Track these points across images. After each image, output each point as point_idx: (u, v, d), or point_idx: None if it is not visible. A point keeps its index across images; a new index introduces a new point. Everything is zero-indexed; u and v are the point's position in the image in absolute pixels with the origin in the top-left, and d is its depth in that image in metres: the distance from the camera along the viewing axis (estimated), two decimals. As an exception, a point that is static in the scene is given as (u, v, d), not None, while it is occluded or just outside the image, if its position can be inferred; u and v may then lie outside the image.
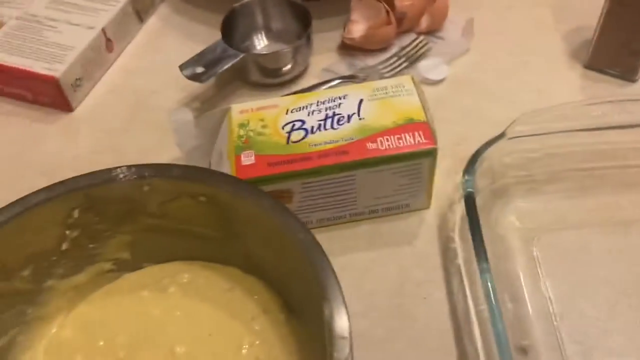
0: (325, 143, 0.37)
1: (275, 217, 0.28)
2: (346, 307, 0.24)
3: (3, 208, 0.28)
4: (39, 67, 0.49)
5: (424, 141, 0.37)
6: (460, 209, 0.41)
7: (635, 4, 0.43)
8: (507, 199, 0.40)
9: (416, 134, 0.37)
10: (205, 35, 0.56)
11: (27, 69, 0.49)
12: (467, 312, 0.36)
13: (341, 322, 0.24)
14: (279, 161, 0.36)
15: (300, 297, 0.30)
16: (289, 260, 0.28)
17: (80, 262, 0.33)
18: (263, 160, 0.37)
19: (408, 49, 0.52)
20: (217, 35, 0.50)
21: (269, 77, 0.51)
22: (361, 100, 0.39)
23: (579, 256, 0.37)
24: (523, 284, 0.36)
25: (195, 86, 0.52)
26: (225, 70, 0.49)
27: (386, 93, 0.40)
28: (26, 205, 0.29)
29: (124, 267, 0.34)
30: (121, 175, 0.30)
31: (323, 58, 0.53)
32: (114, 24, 0.54)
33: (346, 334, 0.23)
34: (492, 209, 0.40)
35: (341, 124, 0.38)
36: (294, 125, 0.38)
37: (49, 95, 0.50)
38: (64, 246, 0.31)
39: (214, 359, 0.30)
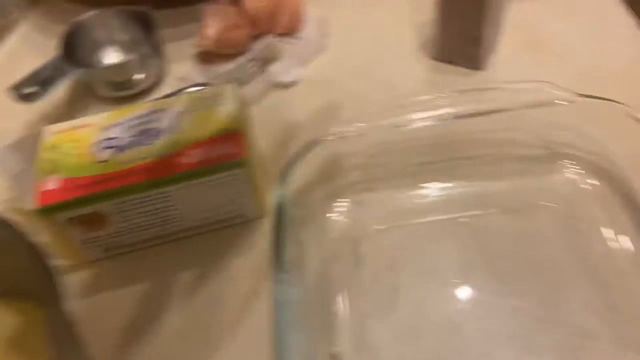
0: (138, 160, 0.36)
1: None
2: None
3: None
4: None
5: (236, 151, 0.36)
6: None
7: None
8: (336, 200, 0.40)
9: (228, 144, 0.36)
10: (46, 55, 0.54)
11: None
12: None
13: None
14: (85, 183, 0.35)
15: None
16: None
17: None
18: (69, 183, 0.35)
19: (260, 52, 0.51)
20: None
21: (119, 90, 0.49)
22: (178, 113, 0.38)
23: (403, 253, 0.37)
24: (345, 287, 0.36)
25: (45, 106, 0.50)
26: (74, 88, 0.47)
27: (204, 103, 0.38)
28: None
29: None
30: None
31: (179, 67, 0.52)
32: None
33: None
34: (321, 213, 0.39)
35: (155, 139, 0.37)
36: (105, 144, 0.37)
37: None
38: None
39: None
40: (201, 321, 0.36)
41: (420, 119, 0.39)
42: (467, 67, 0.47)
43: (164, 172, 0.35)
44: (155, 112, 0.38)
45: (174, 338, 0.36)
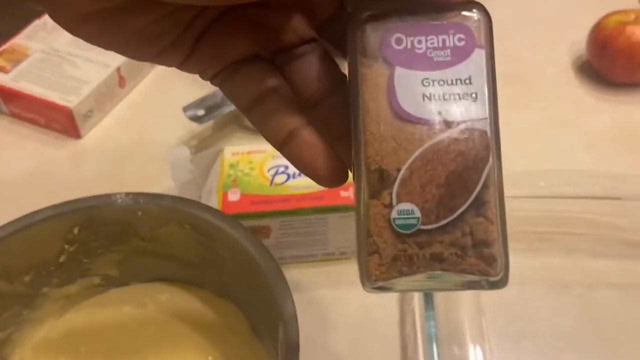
0: (304, 188, 0.42)
1: (248, 247, 0.32)
2: (297, 331, 0.28)
3: (14, 221, 0.33)
4: (56, 97, 0.54)
5: (390, 194, 0.41)
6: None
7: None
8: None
9: (384, 187, 0.42)
10: (208, 82, 0.62)
11: (45, 98, 0.54)
12: (416, 352, 0.40)
13: (293, 337, 0.28)
14: (261, 200, 0.41)
15: (263, 322, 0.34)
16: (256, 287, 0.32)
17: (74, 274, 0.36)
18: (247, 198, 0.41)
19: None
20: None
21: (263, 124, 0.56)
22: (339, 153, 0.44)
23: (520, 310, 0.41)
24: (467, 332, 0.40)
25: (195, 126, 0.57)
26: (223, 115, 0.54)
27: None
28: (34, 219, 0.33)
29: (111, 282, 0.38)
30: (119, 200, 0.34)
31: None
32: (128, 64, 0.59)
33: (296, 346, 0.27)
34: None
35: (319, 173, 0.43)
36: (277, 169, 0.43)
37: (62, 123, 0.55)
38: (62, 258, 0.35)
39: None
40: (337, 338, 0.41)
41: (539, 192, 0.44)
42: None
43: (329, 201, 0.41)
44: (318, 149, 0.45)
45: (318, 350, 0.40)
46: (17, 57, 0.58)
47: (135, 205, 0.34)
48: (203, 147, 0.55)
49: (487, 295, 0.42)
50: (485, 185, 0.20)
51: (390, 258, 0.20)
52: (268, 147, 0.45)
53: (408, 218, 0.20)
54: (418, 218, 0.20)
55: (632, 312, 0.41)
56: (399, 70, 0.21)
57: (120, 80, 0.59)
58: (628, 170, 0.52)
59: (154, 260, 0.37)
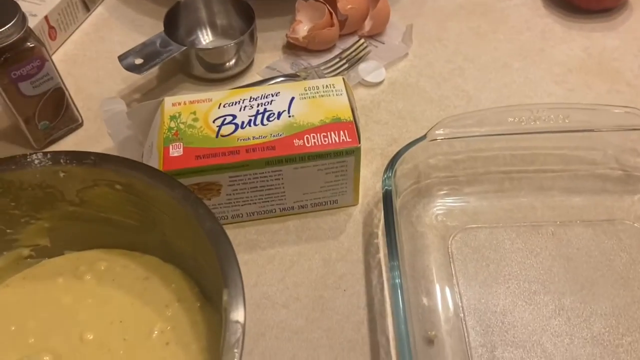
0: (254, 138, 0.38)
1: (186, 207, 0.28)
2: (243, 294, 0.25)
3: None
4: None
5: (348, 140, 0.38)
6: (385, 206, 0.43)
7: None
8: (430, 198, 0.42)
9: (341, 132, 0.38)
10: (150, 28, 0.56)
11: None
12: (383, 304, 0.37)
13: (237, 307, 0.25)
14: (206, 154, 0.37)
15: (212, 286, 0.31)
16: (200, 250, 0.29)
17: (-3, 247, 0.33)
18: (191, 152, 0.37)
19: (349, 51, 0.53)
20: (162, 29, 0.50)
21: (212, 72, 0.52)
22: (292, 98, 0.40)
23: (490, 254, 0.39)
24: (436, 279, 0.38)
25: (137, 78, 0.52)
26: (167, 64, 0.49)
27: (317, 92, 0.41)
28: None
29: (43, 253, 0.34)
30: (36, 161, 0.30)
31: (267, 56, 0.54)
32: (57, 12, 0.53)
33: (241, 318, 0.24)
34: (415, 207, 0.42)
35: (271, 121, 0.39)
36: (224, 119, 0.39)
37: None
38: (-21, 230, 0.31)
39: (124, 345, 0.31)
40: (299, 295, 0.38)
41: (507, 129, 0.41)
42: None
43: (282, 151, 0.37)
44: (270, 95, 0.41)
45: (278, 307, 0.38)
46: None
47: (56, 166, 0.30)
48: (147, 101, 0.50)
49: (456, 241, 0.40)
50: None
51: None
52: (214, 96, 0.41)
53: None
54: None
55: (607, 248, 0.39)
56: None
57: (50, 31, 0.53)
58: (599, 100, 0.50)
59: (89, 225, 0.33)
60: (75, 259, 0.34)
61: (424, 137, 0.40)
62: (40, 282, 0.33)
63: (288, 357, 0.35)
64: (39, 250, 0.34)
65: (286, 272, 0.40)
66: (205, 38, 0.55)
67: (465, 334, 0.35)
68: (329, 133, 0.38)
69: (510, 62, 0.54)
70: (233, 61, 0.51)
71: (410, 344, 0.30)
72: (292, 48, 0.55)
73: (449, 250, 0.39)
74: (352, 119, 0.39)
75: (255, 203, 0.40)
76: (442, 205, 0.42)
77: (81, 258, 0.34)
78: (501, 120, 0.41)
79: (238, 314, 0.24)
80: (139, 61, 0.47)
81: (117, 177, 0.30)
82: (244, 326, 0.24)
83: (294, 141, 0.38)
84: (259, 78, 0.52)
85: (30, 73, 0.42)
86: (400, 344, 0.30)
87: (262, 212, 0.42)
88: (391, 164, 0.38)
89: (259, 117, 0.39)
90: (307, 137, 0.38)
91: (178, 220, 0.30)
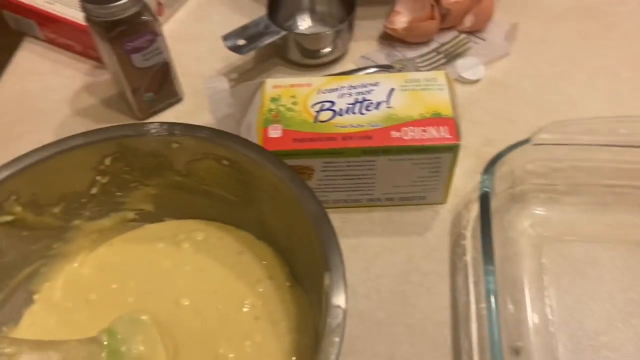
0: (351, 126, 0.38)
1: (291, 188, 0.29)
2: (345, 279, 0.25)
3: (43, 146, 0.30)
4: (91, 22, 0.51)
5: (448, 136, 0.37)
6: (476, 208, 0.42)
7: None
8: (524, 204, 0.41)
9: (441, 128, 0.38)
10: (250, 10, 0.57)
11: (81, 22, 0.51)
12: (468, 308, 0.37)
13: (338, 292, 0.25)
14: (304, 138, 0.38)
15: (305, 267, 0.31)
16: (299, 231, 0.30)
17: (106, 208, 0.35)
18: (289, 135, 0.38)
19: (448, 45, 0.52)
20: (262, 11, 0.51)
21: (308, 58, 0.52)
22: (392, 90, 0.40)
23: (587, 269, 0.37)
24: (527, 289, 0.37)
25: (236, 58, 0.53)
26: (265, 46, 0.50)
27: (418, 85, 0.40)
28: (64, 147, 0.31)
29: (146, 218, 0.36)
30: (153, 130, 0.31)
31: (362, 45, 0.54)
32: (165, -11, 0.56)
33: (342, 303, 0.24)
34: (507, 212, 0.40)
35: (369, 110, 0.39)
36: (323, 105, 0.39)
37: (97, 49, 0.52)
38: (94, 190, 0.33)
39: (217, 314, 0.32)
40: (380, 288, 0.38)
41: (617, 141, 0.39)
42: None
43: (379, 142, 0.37)
44: (369, 84, 0.40)
45: (359, 297, 0.38)
46: (50, -21, 0.55)
47: (170, 137, 0.31)
48: (243, 81, 0.51)
49: (551, 252, 0.38)
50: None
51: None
52: (313, 81, 0.41)
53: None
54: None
55: None
56: None
57: (159, 7, 0.56)
58: None
59: (191, 196, 0.35)
60: (175, 227, 0.36)
61: (527, 141, 0.39)
62: (141, 245, 0.35)
63: (368, 348, 0.35)
64: (142, 215, 0.36)
65: (369, 263, 0.40)
66: (303, 23, 0.55)
67: (554, 349, 0.34)
68: (428, 128, 0.38)
69: (620, 70, 0.51)
70: (329, 48, 0.51)
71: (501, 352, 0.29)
72: (388, 39, 0.54)
73: (541, 261, 0.38)
74: (452, 115, 0.39)
75: (344, 191, 0.41)
76: (537, 213, 0.41)
77: (180, 226, 0.36)
78: (611, 130, 0.39)
79: (339, 299, 0.25)
80: (241, 42, 0.48)
81: (226, 153, 0.31)
82: (345, 311, 0.24)
83: (392, 133, 0.38)
84: (352, 67, 0.52)
85: (142, 46, 0.44)
86: (492, 351, 0.29)
87: (349, 201, 0.42)
88: (490, 166, 0.37)
89: (358, 105, 0.39)
90: (405, 130, 0.38)
91: (279, 201, 0.31)
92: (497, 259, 0.37)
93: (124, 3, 0.41)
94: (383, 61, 0.52)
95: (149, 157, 0.32)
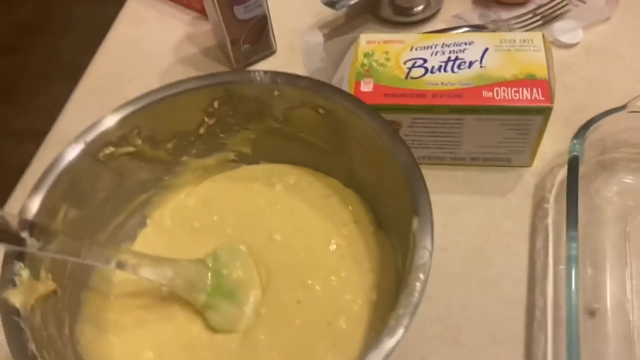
0: (442, 84, 0.39)
1: (383, 138, 0.31)
2: (432, 223, 0.27)
3: (163, 87, 0.34)
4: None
5: (541, 98, 0.37)
6: (562, 173, 0.42)
7: None
8: (613, 172, 0.40)
9: (534, 90, 0.38)
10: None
11: (186, -25, 0.54)
12: (545, 269, 0.37)
13: (425, 234, 0.27)
14: (395, 93, 0.39)
15: (390, 214, 0.33)
16: (387, 179, 0.31)
17: (211, 148, 0.38)
18: (380, 89, 0.39)
19: (546, 7, 0.51)
20: None
21: (400, 15, 0.52)
22: (486, 49, 0.40)
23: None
24: (608, 255, 0.37)
25: (328, 13, 0.55)
26: (357, 3, 0.51)
27: (513, 45, 0.40)
28: (180, 89, 0.34)
29: (244, 159, 0.39)
30: (258, 78, 0.34)
31: (455, 3, 0.54)
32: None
33: (429, 245, 0.26)
34: (595, 179, 0.40)
35: (461, 69, 0.39)
36: (415, 62, 0.40)
37: (200, 2, 0.55)
38: (201, 130, 0.37)
39: (306, 250, 0.35)
40: (459, 242, 0.40)
41: None
42: None
43: (469, 100, 0.38)
44: (463, 43, 0.41)
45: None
46: None
47: (273, 85, 0.34)
48: (335, 36, 0.53)
49: (636, 221, 0.38)
50: None
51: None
52: (407, 38, 0.42)
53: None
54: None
55: None
56: None
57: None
58: None
59: (285, 142, 0.37)
60: (269, 170, 0.39)
61: (622, 108, 0.38)
62: (240, 183, 0.38)
63: (442, 297, 0.37)
64: (241, 156, 0.39)
65: (449, 217, 0.41)
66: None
67: (630, 312, 0.34)
68: (520, 89, 0.38)
69: None
70: (422, 6, 0.51)
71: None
72: (483, -1, 0.54)
73: (626, 229, 0.38)
74: (547, 77, 0.38)
75: (430, 148, 0.42)
76: (625, 182, 0.40)
77: (274, 169, 0.39)
78: None
79: (427, 241, 0.26)
80: (337, -3, 0.50)
81: (323, 102, 0.33)
82: (431, 252, 0.26)
83: (483, 92, 0.38)
84: (443, 26, 0.52)
85: (244, -1, 0.46)
86: (568, 310, 0.30)
87: (434, 158, 0.43)
88: (582, 131, 0.37)
89: (450, 64, 0.40)
90: (497, 90, 0.38)
91: (370, 150, 0.33)
92: (580, 224, 0.37)
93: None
94: (476, 21, 0.52)
95: (252, 102, 0.35)
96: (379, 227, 0.35)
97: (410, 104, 0.39)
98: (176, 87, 0.34)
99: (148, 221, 0.38)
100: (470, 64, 0.40)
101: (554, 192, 0.41)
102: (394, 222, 0.32)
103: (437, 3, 0.52)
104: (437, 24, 0.53)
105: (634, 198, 0.39)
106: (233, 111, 0.36)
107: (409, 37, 0.42)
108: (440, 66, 0.40)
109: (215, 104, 0.35)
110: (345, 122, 0.33)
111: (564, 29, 0.49)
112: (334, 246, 0.34)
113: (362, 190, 0.36)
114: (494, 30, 0.50)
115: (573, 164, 0.36)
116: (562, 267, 0.36)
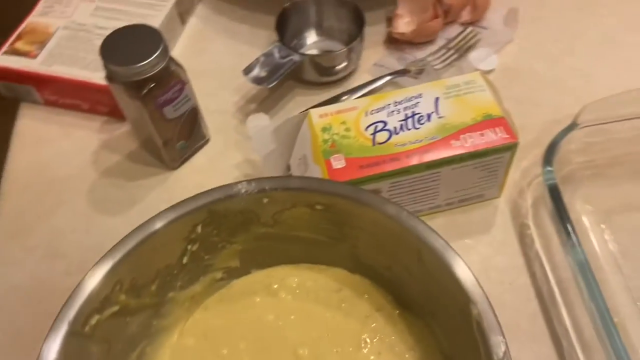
0: (410, 143, 0.39)
1: (400, 222, 0.29)
2: (493, 309, 0.26)
3: (138, 228, 0.29)
4: (98, 77, 0.49)
5: (506, 136, 0.38)
6: (530, 196, 0.43)
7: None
8: (575, 185, 0.42)
9: (496, 129, 0.39)
10: (250, 35, 0.56)
11: (85, 80, 0.49)
12: (552, 294, 0.38)
13: (491, 321, 0.25)
14: (369, 163, 0.38)
15: (417, 294, 0.32)
16: (403, 259, 0.30)
17: (196, 274, 0.34)
18: (353, 163, 0.38)
19: (457, 40, 0.53)
20: (260, 34, 0.50)
21: (324, 76, 0.52)
22: (437, 99, 0.41)
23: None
24: (602, 264, 0.39)
25: (249, 88, 0.53)
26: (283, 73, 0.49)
27: (459, 90, 0.41)
28: (157, 225, 0.30)
29: (232, 274, 0.36)
30: (243, 190, 0.31)
31: (371, 53, 0.54)
32: (162, 28, 0.54)
33: (499, 333, 0.25)
34: (562, 195, 0.42)
35: (422, 123, 0.39)
36: (376, 126, 0.40)
37: (109, 104, 0.50)
38: (185, 260, 0.32)
39: (338, 357, 0.32)
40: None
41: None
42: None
43: (441, 154, 0.38)
44: (413, 97, 0.41)
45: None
46: (39, 38, 0.52)
47: (261, 194, 0.31)
48: (263, 110, 0.51)
49: (613, 225, 0.40)
50: None
51: None
52: (357, 103, 0.41)
53: None
54: None
55: None
56: None
57: (157, 48, 0.54)
58: None
59: (276, 244, 0.35)
60: (264, 277, 0.35)
61: (575, 126, 0.40)
62: (237, 302, 0.35)
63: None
64: (229, 272, 0.35)
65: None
66: (311, 39, 0.55)
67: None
68: (484, 131, 0.39)
69: (623, 37, 0.53)
70: (345, 63, 0.51)
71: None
72: (394, 43, 0.55)
73: (606, 237, 0.40)
74: (502, 114, 0.40)
75: (409, 204, 0.41)
76: (589, 191, 0.42)
77: (270, 275, 0.35)
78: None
79: (496, 330, 0.25)
80: (263, 73, 0.48)
81: (321, 198, 0.31)
82: (506, 342, 0.25)
83: (451, 142, 0.38)
84: (368, 77, 0.53)
85: (173, 97, 0.43)
86: (603, 321, 0.30)
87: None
88: (548, 156, 0.39)
89: (409, 120, 0.40)
90: (463, 137, 0.39)
91: (381, 235, 0.31)
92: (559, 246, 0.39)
93: (152, 60, 0.39)
94: (397, 66, 0.53)
95: (237, 215, 0.32)
96: (403, 308, 0.33)
97: (387, 170, 0.38)
98: (153, 224, 0.30)
99: (148, 381, 0.32)
100: (429, 116, 0.40)
101: (530, 216, 0.42)
102: (423, 302, 0.31)
103: (358, 57, 0.53)
104: (362, 75, 0.53)
105: (601, 204, 0.42)
106: (217, 230, 0.32)
107: (359, 102, 0.42)
108: (402, 125, 0.39)
109: (199, 229, 0.31)
110: (349, 213, 0.31)
111: (480, 58, 0.52)
112: (367, 344, 0.32)
113: (373, 273, 0.34)
114: (417, 72, 0.51)
115: (554, 192, 0.37)
116: (567, 285, 0.37)
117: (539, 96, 0.50)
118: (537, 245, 0.41)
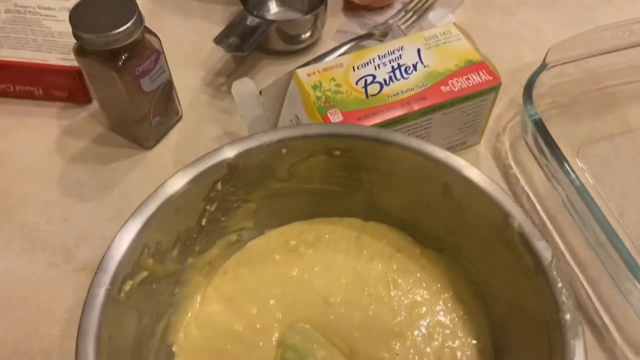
0: (402, 92, 0.39)
1: (426, 157, 0.30)
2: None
3: (154, 193, 0.28)
4: (53, 59, 0.46)
5: (489, 78, 0.40)
6: (507, 139, 0.46)
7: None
8: (550, 123, 0.45)
9: (480, 72, 0.40)
10: (202, 10, 0.55)
11: (41, 62, 0.46)
12: (543, 223, 0.41)
13: (534, 230, 0.27)
14: (366, 114, 0.38)
15: (434, 231, 0.32)
16: (428, 195, 0.31)
17: (213, 237, 0.32)
18: (351, 115, 0.38)
19: (414, 2, 0.55)
20: (215, 10, 0.50)
21: (290, 44, 0.52)
22: (419, 49, 0.42)
23: (617, 162, 0.43)
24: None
25: (215, 61, 0.51)
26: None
27: (438, 40, 0.42)
28: (177, 186, 0.28)
29: (246, 236, 0.35)
30: (265, 139, 0.30)
31: (332, 20, 0.55)
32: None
33: (542, 238, 0.26)
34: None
35: (409, 73, 0.40)
36: (366, 80, 0.40)
37: (66, 88, 0.47)
38: (203, 222, 0.31)
39: (370, 299, 0.32)
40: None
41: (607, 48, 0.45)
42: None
43: (434, 99, 0.39)
44: (395, 50, 0.42)
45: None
46: (-23, 23, 0.47)
47: (280, 143, 0.30)
48: (231, 83, 0.49)
49: (585, 156, 0.44)
50: None
51: None
52: (342, 60, 0.41)
53: None
54: None
55: None
56: None
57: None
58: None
59: (289, 200, 0.34)
60: (279, 235, 0.35)
61: (545, 66, 0.43)
62: (257, 263, 0.34)
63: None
64: (242, 234, 0.34)
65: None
66: (272, 9, 0.54)
67: (630, 238, 0.39)
68: (469, 75, 0.40)
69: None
70: (310, 31, 0.51)
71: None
72: (352, 9, 0.56)
73: (580, 165, 0.43)
74: (481, 58, 0.41)
75: (401, 156, 0.42)
76: (559, 128, 0.45)
77: (285, 233, 0.35)
78: (600, 39, 0.44)
79: (536, 235, 0.26)
80: (236, 41, 0.47)
81: (338, 144, 0.31)
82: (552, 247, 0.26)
83: (441, 88, 0.40)
84: (334, 44, 0.53)
85: (149, 67, 0.41)
86: (605, 230, 0.33)
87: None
88: (527, 94, 0.41)
89: (397, 72, 0.41)
90: (451, 83, 0.40)
91: (403, 174, 0.31)
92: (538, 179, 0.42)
93: (129, 27, 0.37)
94: (359, 31, 0.54)
95: (255, 170, 0.31)
96: (424, 247, 0.34)
97: (385, 119, 0.38)
98: (172, 185, 0.28)
99: (175, 349, 0.31)
100: (414, 66, 0.41)
101: (510, 157, 0.45)
102: (446, 235, 0.32)
103: (322, 24, 0.53)
104: (327, 42, 0.53)
105: (571, 138, 0.45)
106: (234, 187, 0.31)
107: (342, 59, 0.42)
108: (390, 77, 0.40)
109: (219, 186, 0.30)
110: (368, 155, 0.31)
111: (438, 17, 0.54)
112: (396, 283, 0.32)
113: (388, 218, 0.35)
114: (382, 35, 0.52)
115: (540, 125, 0.40)
116: (557, 215, 0.40)
117: (496, 49, 0.52)
118: (522, 182, 0.43)
